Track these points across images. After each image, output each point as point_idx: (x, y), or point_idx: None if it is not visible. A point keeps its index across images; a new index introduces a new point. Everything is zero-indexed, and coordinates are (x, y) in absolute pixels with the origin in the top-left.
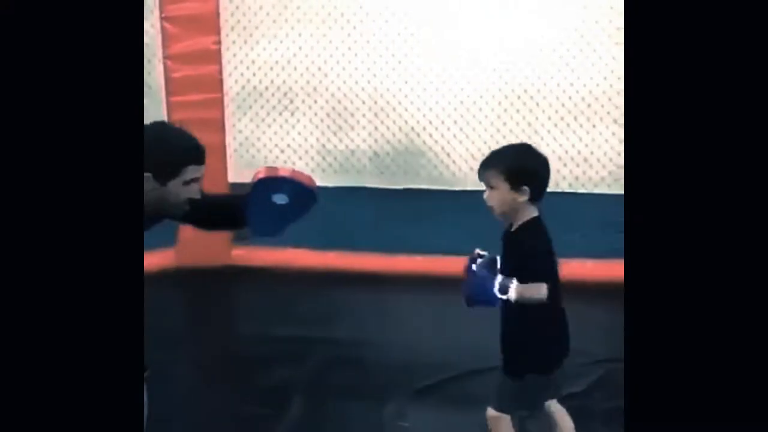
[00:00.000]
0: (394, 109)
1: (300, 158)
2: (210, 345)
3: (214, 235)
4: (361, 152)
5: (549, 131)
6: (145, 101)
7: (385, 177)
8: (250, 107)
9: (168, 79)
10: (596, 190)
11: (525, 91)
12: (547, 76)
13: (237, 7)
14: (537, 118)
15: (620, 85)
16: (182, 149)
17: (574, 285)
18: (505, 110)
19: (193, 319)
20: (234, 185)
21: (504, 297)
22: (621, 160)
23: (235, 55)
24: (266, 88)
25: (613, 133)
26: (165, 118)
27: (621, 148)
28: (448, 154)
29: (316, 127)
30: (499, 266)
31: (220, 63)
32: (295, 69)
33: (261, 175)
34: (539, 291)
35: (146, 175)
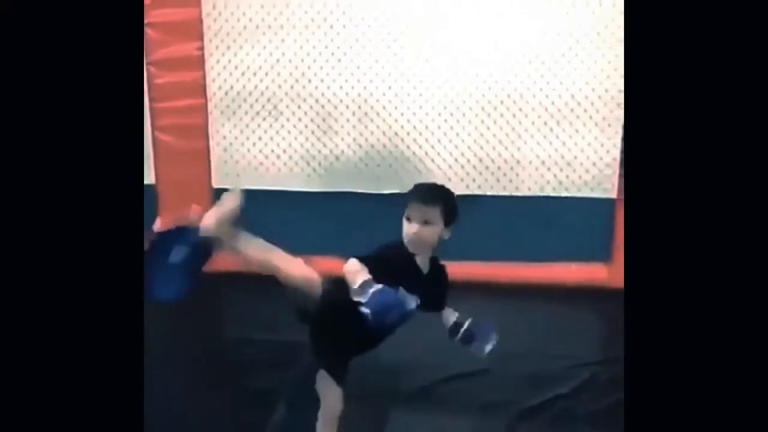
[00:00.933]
0: (378, 114)
1: (284, 164)
2: (197, 349)
3: None
4: (346, 157)
5: (532, 136)
6: None
7: (370, 182)
8: (234, 113)
9: (151, 86)
10: (579, 194)
11: (508, 95)
12: (530, 81)
13: (220, 13)
14: (520, 123)
15: (602, 90)
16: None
17: (559, 288)
18: (489, 115)
19: (179, 324)
20: (218, 191)
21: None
22: (603, 164)
23: (218, 61)
24: (250, 94)
25: (596, 137)
26: (148, 125)
27: (603, 151)
28: (433, 160)
29: (300, 132)
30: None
31: (203, 69)
32: (279, 74)
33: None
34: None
35: None
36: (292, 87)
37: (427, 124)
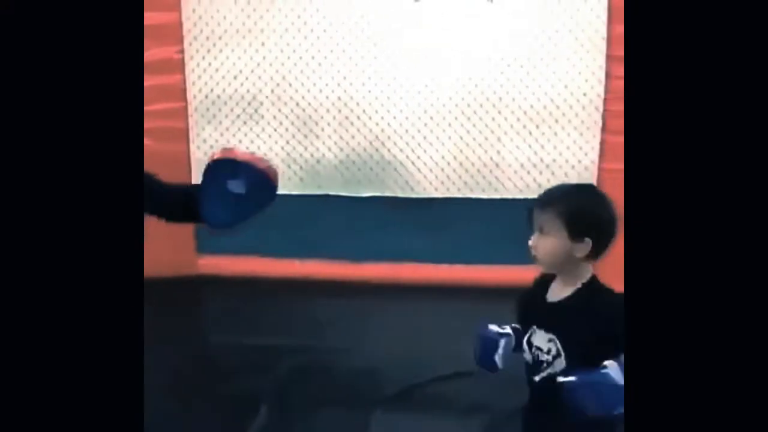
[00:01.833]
0: (358, 118)
1: None
2: (178, 355)
3: (180, 245)
4: (327, 161)
5: (512, 139)
6: None
7: (351, 185)
8: (215, 116)
9: None
10: None
11: (488, 99)
12: (509, 84)
13: (200, 17)
14: (500, 126)
15: (580, 93)
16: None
17: None
18: (469, 119)
19: (160, 330)
20: None
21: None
22: (582, 167)
23: (198, 65)
24: (230, 97)
25: (574, 141)
26: None
27: (582, 154)
28: (413, 163)
29: (281, 136)
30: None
31: (183, 72)
32: (260, 78)
33: (216, 157)
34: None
35: None
36: (272, 91)
37: (407, 127)
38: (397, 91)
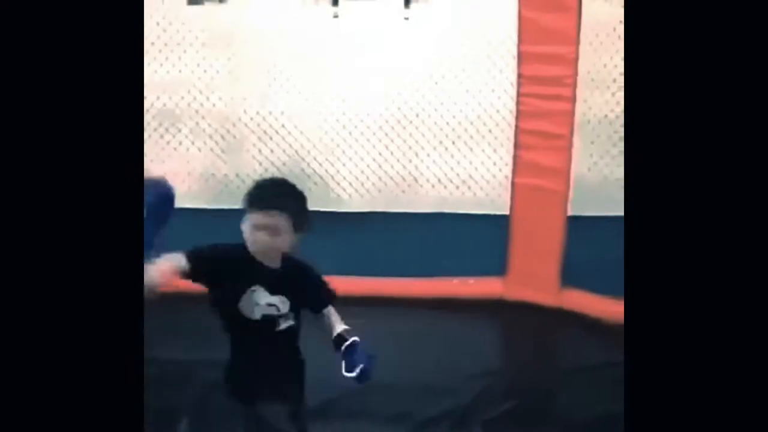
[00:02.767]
0: (277, 132)
1: (183, 181)
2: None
3: None
4: (245, 176)
5: (428, 155)
6: None
7: None
8: None
9: None
10: (475, 211)
11: (404, 115)
12: (425, 101)
13: None
14: (417, 142)
15: (494, 110)
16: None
17: (457, 302)
18: (386, 134)
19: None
20: None
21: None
22: (497, 182)
23: None
24: (147, 111)
25: (489, 157)
26: None
27: (496, 170)
28: (333, 177)
29: (199, 150)
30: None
31: None
32: (176, 92)
33: None
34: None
35: None
36: (189, 104)
37: (326, 142)
38: (316, 106)
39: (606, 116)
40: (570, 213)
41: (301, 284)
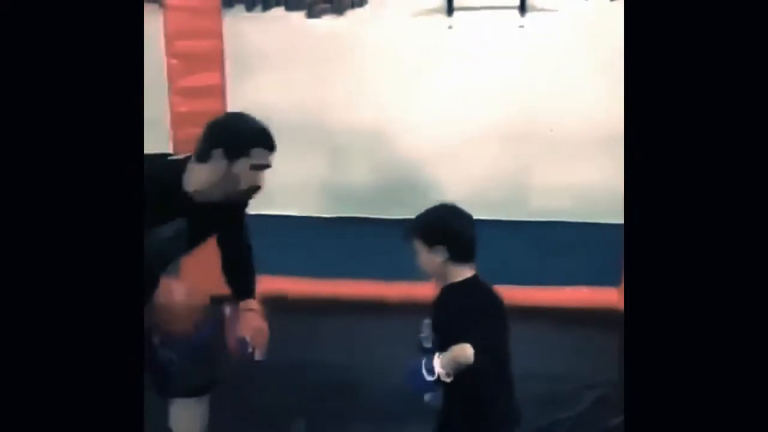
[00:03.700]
0: (394, 140)
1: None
2: None
3: None
4: (359, 184)
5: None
6: None
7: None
8: None
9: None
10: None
11: (519, 125)
12: (533, 111)
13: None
14: (531, 152)
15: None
16: (251, 131)
17: (570, 311)
18: (500, 143)
19: None
20: None
21: (433, 378)
22: (613, 190)
23: None
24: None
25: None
26: None
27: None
28: (446, 184)
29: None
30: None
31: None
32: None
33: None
34: (464, 353)
35: (216, 150)
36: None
37: (441, 150)
38: (432, 114)
39: None
40: None
41: None
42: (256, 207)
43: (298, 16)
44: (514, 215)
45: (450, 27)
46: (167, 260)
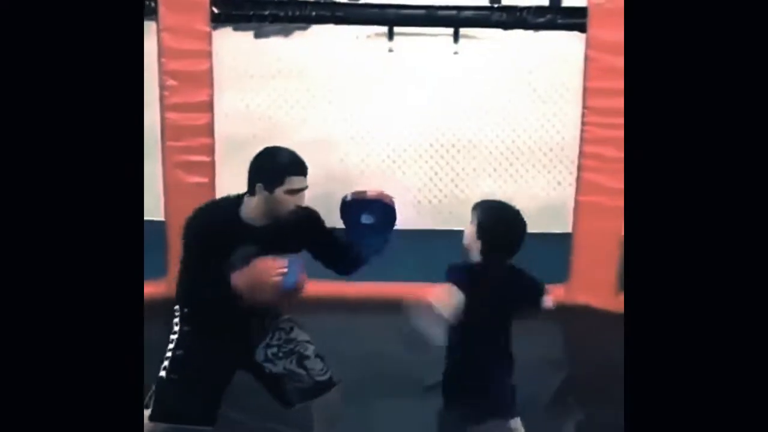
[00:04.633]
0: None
1: None
2: None
3: None
4: None
5: (480, 177)
6: None
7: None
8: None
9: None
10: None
11: (454, 143)
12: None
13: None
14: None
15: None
16: (282, 163)
17: None
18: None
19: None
20: None
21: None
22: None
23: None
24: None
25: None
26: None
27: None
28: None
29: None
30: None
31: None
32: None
33: (348, 199)
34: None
35: (258, 184)
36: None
37: (380, 165)
38: (371, 132)
39: None
40: None
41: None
42: None
43: (246, 36)
44: (447, 224)
45: (390, 50)
46: None
